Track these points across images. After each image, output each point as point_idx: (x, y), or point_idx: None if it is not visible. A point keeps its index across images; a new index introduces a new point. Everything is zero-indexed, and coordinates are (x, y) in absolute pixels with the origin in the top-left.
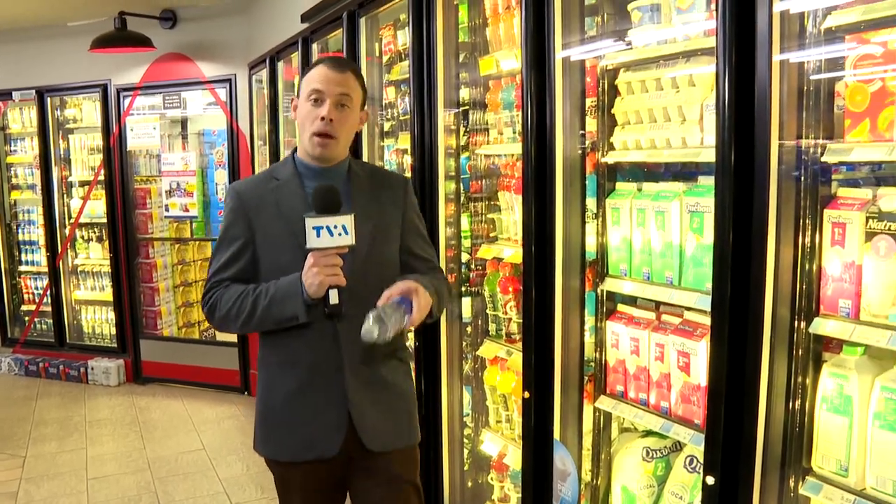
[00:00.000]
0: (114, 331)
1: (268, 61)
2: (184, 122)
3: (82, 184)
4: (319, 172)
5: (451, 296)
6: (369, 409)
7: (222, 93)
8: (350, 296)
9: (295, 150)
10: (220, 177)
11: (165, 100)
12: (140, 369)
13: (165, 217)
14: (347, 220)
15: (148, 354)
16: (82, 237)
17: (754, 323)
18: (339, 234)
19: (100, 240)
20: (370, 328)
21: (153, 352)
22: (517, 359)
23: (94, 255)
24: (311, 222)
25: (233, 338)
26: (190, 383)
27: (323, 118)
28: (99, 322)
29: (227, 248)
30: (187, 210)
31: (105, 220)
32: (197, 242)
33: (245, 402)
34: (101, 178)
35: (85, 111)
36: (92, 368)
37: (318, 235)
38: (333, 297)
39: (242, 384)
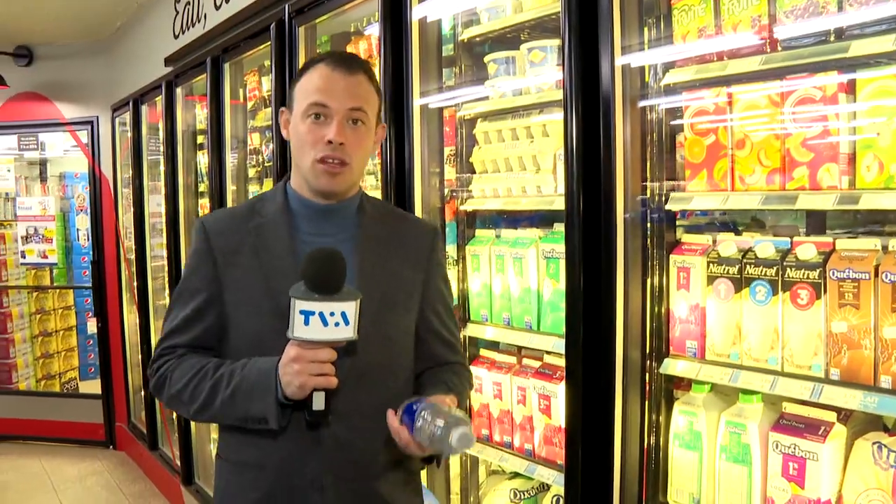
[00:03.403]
0: None
1: (131, 104)
2: (43, 164)
3: None
4: (320, 212)
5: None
6: None
7: (83, 135)
8: (343, 387)
9: (288, 177)
10: (82, 222)
11: (21, 141)
12: None
13: (22, 264)
14: (350, 308)
15: (1, 411)
16: None
17: (607, 364)
18: (337, 324)
19: None
20: (465, 434)
21: (7, 408)
22: None
23: None
24: (299, 305)
25: (96, 388)
26: (49, 439)
27: (331, 141)
28: None
29: (185, 304)
30: (46, 257)
31: None
32: (58, 291)
33: (111, 457)
34: None
35: None
36: None
37: (307, 323)
38: (318, 402)
39: (108, 438)
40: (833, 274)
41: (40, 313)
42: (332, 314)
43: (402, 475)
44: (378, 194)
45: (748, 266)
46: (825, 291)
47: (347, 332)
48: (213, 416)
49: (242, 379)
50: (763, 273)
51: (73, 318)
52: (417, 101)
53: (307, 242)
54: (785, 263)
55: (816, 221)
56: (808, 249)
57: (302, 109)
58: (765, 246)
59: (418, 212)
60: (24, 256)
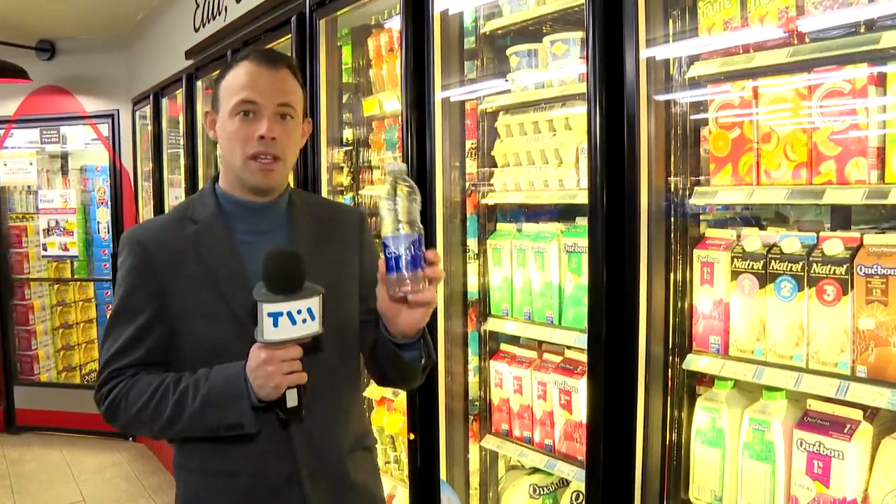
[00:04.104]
0: None
1: (151, 97)
2: (65, 158)
3: None
4: (254, 210)
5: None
6: None
7: (104, 128)
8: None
9: (215, 179)
10: (103, 215)
11: (43, 134)
12: (13, 418)
13: (43, 256)
14: (315, 303)
15: (23, 402)
16: None
17: (629, 360)
18: (304, 321)
19: None
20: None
21: (29, 399)
22: (403, 399)
23: None
24: (266, 308)
25: None
26: (70, 431)
27: (262, 136)
28: None
29: (127, 324)
30: (67, 249)
31: None
32: (78, 283)
33: (130, 449)
34: None
35: None
36: None
37: (276, 325)
38: (292, 399)
39: None
40: (861, 270)
41: (61, 305)
42: (299, 312)
43: (362, 454)
44: None
45: (773, 261)
46: (852, 287)
47: (314, 327)
48: (180, 430)
49: (210, 389)
50: (788, 268)
51: (93, 310)
52: (439, 95)
53: (246, 242)
54: (811, 259)
55: (841, 216)
56: (834, 245)
57: (230, 108)
58: (790, 241)
59: (439, 204)
60: (45, 249)
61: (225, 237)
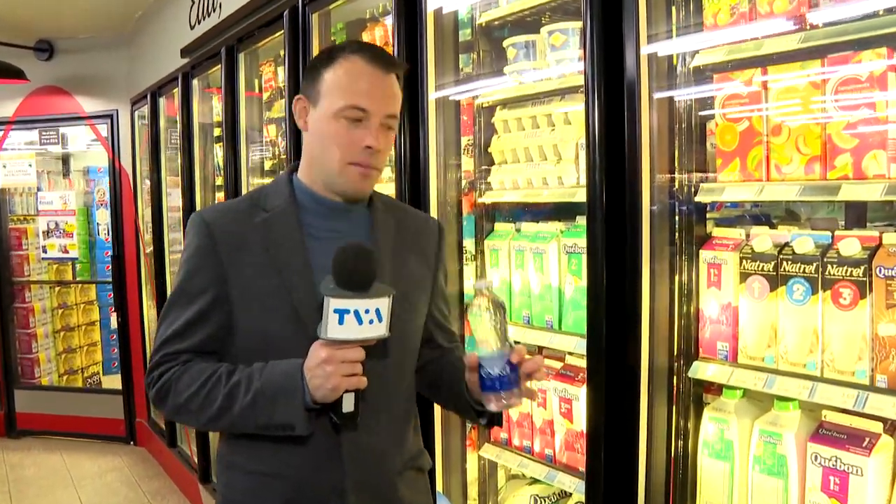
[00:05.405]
0: None
1: (149, 97)
2: (66, 159)
3: None
4: (334, 210)
5: None
6: None
7: (104, 129)
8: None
9: (294, 169)
10: (102, 216)
11: (42, 135)
12: (14, 422)
13: (43, 259)
14: (384, 304)
15: (24, 405)
16: None
17: (631, 367)
18: (371, 322)
19: None
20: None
21: (29, 402)
22: None
23: None
24: (333, 303)
25: (117, 383)
26: (70, 435)
27: (370, 146)
28: None
29: (186, 306)
30: (66, 251)
31: None
32: (80, 285)
33: (131, 453)
34: None
35: None
36: None
37: (342, 322)
38: (348, 404)
39: (128, 434)
40: (880, 271)
41: (62, 308)
42: (366, 311)
43: (414, 474)
44: (392, 186)
45: (785, 262)
46: (871, 290)
47: (381, 330)
48: (229, 424)
49: (264, 383)
50: (801, 270)
51: (95, 312)
52: (433, 95)
53: (318, 238)
54: (826, 260)
55: (857, 213)
56: (851, 244)
57: (336, 108)
58: (803, 241)
59: (433, 205)
60: (45, 251)
61: (295, 229)
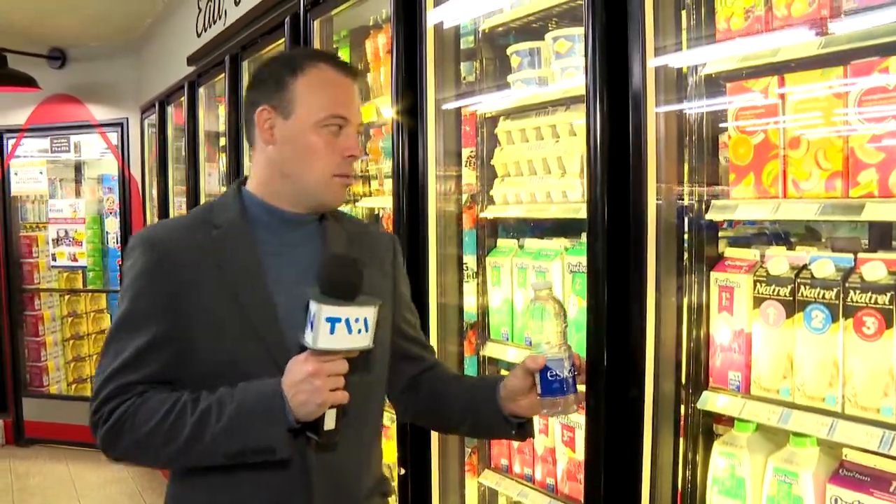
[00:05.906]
0: None
1: (157, 105)
2: (79, 167)
3: None
4: (286, 223)
5: None
6: None
7: (114, 137)
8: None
9: (242, 182)
10: (111, 225)
11: (53, 143)
12: (22, 430)
13: (52, 267)
14: (371, 313)
15: (31, 414)
16: None
17: (635, 396)
18: (360, 332)
19: None
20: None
21: (38, 411)
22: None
23: None
24: (326, 311)
25: None
26: (78, 444)
27: (353, 155)
28: None
29: (134, 334)
30: (76, 260)
31: None
32: (90, 294)
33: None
34: None
35: None
36: None
37: (332, 331)
38: (330, 421)
39: None
40: None
41: (72, 316)
42: (356, 320)
43: (379, 500)
44: (390, 200)
45: (803, 287)
46: None
47: (366, 341)
48: (197, 456)
49: (238, 407)
50: (821, 296)
51: (106, 321)
52: (433, 105)
53: (272, 253)
54: (847, 285)
55: (882, 233)
56: (876, 268)
57: (318, 118)
58: (823, 263)
59: (432, 218)
60: (54, 259)
61: (248, 246)
